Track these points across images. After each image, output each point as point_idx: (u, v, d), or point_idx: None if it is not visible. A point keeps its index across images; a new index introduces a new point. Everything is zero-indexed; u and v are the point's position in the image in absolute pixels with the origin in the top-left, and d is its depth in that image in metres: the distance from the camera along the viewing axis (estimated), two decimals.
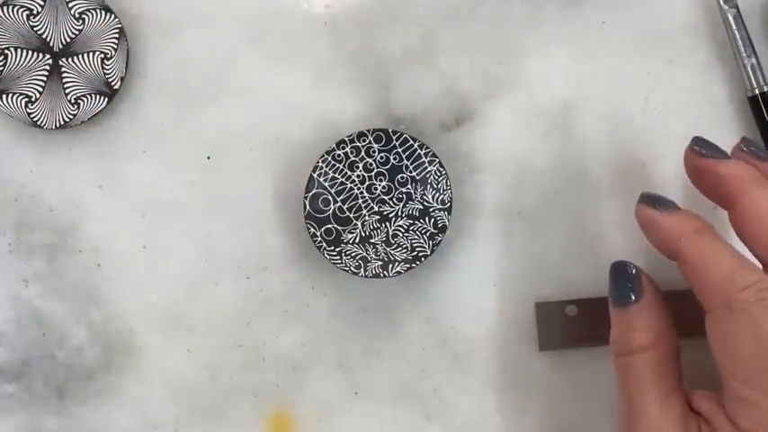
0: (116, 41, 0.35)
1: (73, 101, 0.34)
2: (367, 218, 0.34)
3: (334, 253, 0.34)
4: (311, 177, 0.34)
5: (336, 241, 0.34)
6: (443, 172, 0.34)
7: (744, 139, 0.30)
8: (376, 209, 0.34)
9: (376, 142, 0.34)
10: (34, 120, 0.34)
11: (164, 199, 0.36)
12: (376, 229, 0.34)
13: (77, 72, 0.35)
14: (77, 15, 0.35)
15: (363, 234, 0.34)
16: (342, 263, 0.34)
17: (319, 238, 0.34)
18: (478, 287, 0.35)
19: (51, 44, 0.35)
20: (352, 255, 0.34)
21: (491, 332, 0.35)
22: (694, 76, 0.36)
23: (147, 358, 0.35)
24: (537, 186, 0.35)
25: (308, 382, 0.35)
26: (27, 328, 0.35)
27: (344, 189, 0.34)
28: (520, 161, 0.35)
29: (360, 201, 0.34)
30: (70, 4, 0.34)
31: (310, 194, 0.34)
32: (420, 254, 0.34)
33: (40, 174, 0.36)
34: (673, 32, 0.36)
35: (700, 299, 0.27)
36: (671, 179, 0.34)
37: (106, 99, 0.34)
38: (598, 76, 0.36)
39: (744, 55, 0.34)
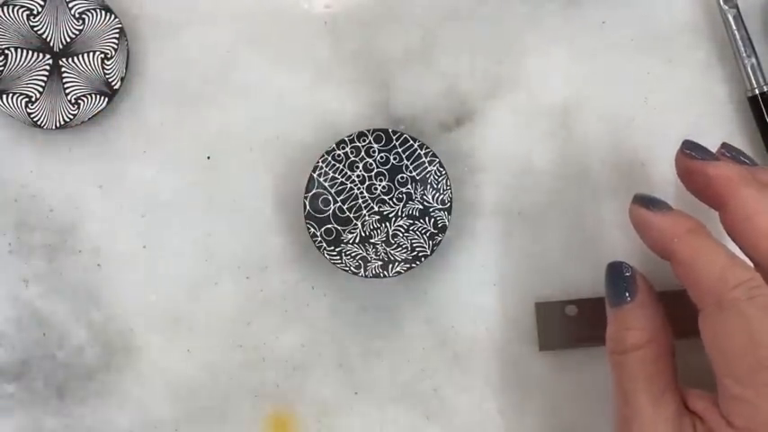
0: (116, 41, 0.35)
1: (73, 101, 0.34)
2: (367, 218, 0.34)
3: (334, 253, 0.34)
4: (311, 177, 0.34)
5: (336, 241, 0.34)
6: (443, 172, 0.34)
7: (724, 145, 0.31)
8: (376, 209, 0.34)
9: (376, 142, 0.34)
10: (34, 120, 0.34)
11: (164, 199, 0.36)
12: (376, 229, 0.34)
13: (77, 72, 0.35)
14: (77, 15, 0.35)
15: (363, 234, 0.34)
16: (342, 263, 0.34)
17: (319, 238, 0.34)
18: (478, 287, 0.35)
19: (51, 44, 0.35)
20: (352, 255, 0.34)
21: (491, 332, 0.35)
22: (694, 75, 0.36)
23: (147, 358, 0.35)
24: (537, 186, 0.35)
25: (308, 382, 0.35)
26: (27, 328, 0.35)
27: (344, 189, 0.34)
28: (520, 161, 0.35)
29: (360, 201, 0.34)
30: (70, 4, 0.34)
31: (310, 194, 0.34)
32: (420, 254, 0.34)
33: (40, 174, 0.36)
34: (673, 32, 0.36)
35: (692, 298, 0.27)
36: (671, 179, 0.34)
37: (106, 99, 0.34)
38: (598, 75, 0.36)
39: (744, 55, 0.34)
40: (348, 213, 0.34)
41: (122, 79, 0.35)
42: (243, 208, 0.35)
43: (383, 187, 0.34)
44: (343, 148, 0.34)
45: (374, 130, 0.34)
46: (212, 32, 0.36)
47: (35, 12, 0.34)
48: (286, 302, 0.35)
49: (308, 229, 0.34)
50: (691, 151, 0.30)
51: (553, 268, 0.35)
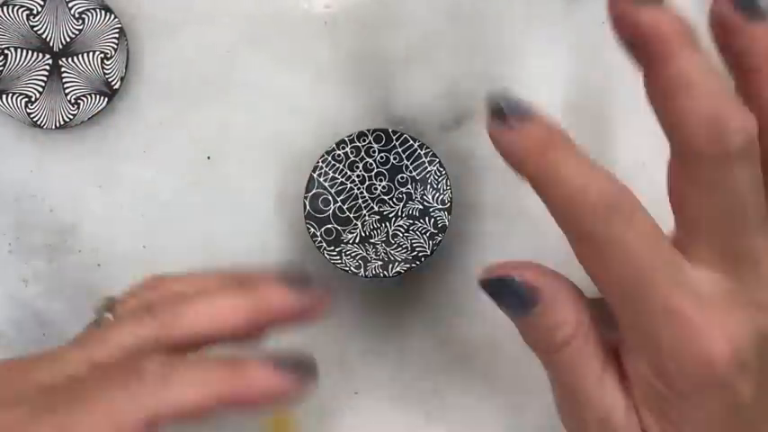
0: (116, 41, 0.35)
1: (73, 101, 0.34)
2: (367, 218, 0.34)
3: (334, 253, 0.34)
4: (311, 177, 0.34)
5: (336, 241, 0.34)
6: (443, 172, 0.34)
7: None
8: (376, 209, 0.34)
9: (376, 142, 0.34)
10: (34, 120, 0.34)
11: (164, 199, 0.36)
12: (376, 229, 0.34)
13: (77, 72, 0.35)
14: (77, 15, 0.35)
15: (363, 234, 0.34)
16: (342, 263, 0.34)
17: (319, 238, 0.34)
18: (478, 287, 0.35)
19: (51, 44, 0.35)
20: (352, 255, 0.34)
21: (491, 332, 0.35)
22: None
23: None
24: None
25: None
26: (27, 328, 0.35)
27: (344, 189, 0.34)
28: None
29: (360, 201, 0.34)
30: (70, 4, 0.34)
31: (310, 194, 0.34)
32: (420, 254, 0.34)
33: (40, 174, 0.36)
34: None
35: (558, 222, 0.23)
36: None
37: (106, 99, 0.34)
38: (598, 75, 0.36)
39: None
40: (348, 213, 0.34)
41: (122, 79, 0.35)
42: (243, 208, 0.35)
43: (383, 187, 0.34)
44: (343, 148, 0.34)
45: (374, 130, 0.34)
46: (212, 32, 0.36)
47: (35, 12, 0.34)
48: None
49: (308, 229, 0.34)
50: None
51: (553, 268, 0.35)
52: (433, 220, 0.34)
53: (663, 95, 0.22)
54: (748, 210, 0.22)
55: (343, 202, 0.34)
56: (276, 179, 0.36)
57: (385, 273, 0.34)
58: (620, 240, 0.22)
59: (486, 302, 0.36)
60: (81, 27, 0.35)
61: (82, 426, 0.20)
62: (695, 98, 0.21)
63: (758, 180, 0.22)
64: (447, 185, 0.34)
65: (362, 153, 0.34)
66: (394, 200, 0.34)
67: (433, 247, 0.34)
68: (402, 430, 0.35)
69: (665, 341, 0.22)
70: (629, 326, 0.23)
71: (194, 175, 0.36)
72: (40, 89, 0.34)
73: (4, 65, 0.34)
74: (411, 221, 0.34)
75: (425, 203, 0.34)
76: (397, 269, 0.34)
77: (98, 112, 0.35)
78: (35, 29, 0.34)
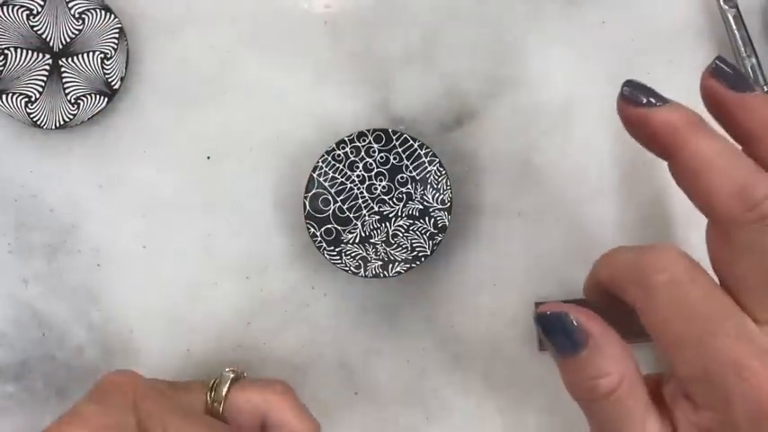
0: (116, 41, 0.35)
1: (73, 101, 0.34)
2: (367, 218, 0.34)
3: (334, 253, 0.34)
4: (311, 177, 0.34)
5: (336, 241, 0.34)
6: (443, 172, 0.34)
7: (719, 59, 0.26)
8: (376, 209, 0.34)
9: (376, 142, 0.34)
10: (34, 120, 0.34)
11: (164, 199, 0.36)
12: (376, 229, 0.34)
13: (77, 72, 0.35)
14: (77, 15, 0.35)
15: (363, 234, 0.34)
16: (342, 263, 0.34)
17: (319, 238, 0.34)
18: (478, 287, 0.35)
19: (51, 44, 0.35)
20: (352, 255, 0.34)
21: (491, 332, 0.35)
22: (694, 76, 0.36)
23: (146, 358, 0.35)
24: (537, 186, 0.35)
25: (308, 382, 0.35)
26: (27, 329, 0.35)
27: (344, 189, 0.34)
28: (520, 161, 0.35)
29: (360, 201, 0.34)
30: (70, 4, 0.34)
31: (310, 194, 0.34)
32: (420, 254, 0.34)
33: (40, 174, 0.36)
34: (673, 32, 0.36)
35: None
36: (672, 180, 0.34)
37: (106, 99, 0.34)
38: (598, 76, 0.36)
39: (744, 55, 0.34)
40: (348, 213, 0.34)
41: (122, 79, 0.35)
42: (243, 208, 0.35)
43: (383, 187, 0.34)
44: (343, 148, 0.34)
45: (374, 130, 0.34)
46: (212, 32, 0.36)
47: (35, 12, 0.34)
48: (286, 302, 0.35)
49: (308, 229, 0.34)
50: (631, 93, 0.25)
51: (553, 268, 0.35)
52: (433, 220, 0.34)
53: (687, 178, 0.24)
54: None
55: (343, 202, 0.34)
56: (276, 179, 0.36)
57: (385, 273, 0.34)
58: (684, 298, 0.23)
59: (486, 302, 0.36)
60: (81, 27, 0.35)
61: None
62: (718, 174, 0.23)
63: None
64: (447, 185, 0.34)
65: (362, 153, 0.34)
66: (394, 200, 0.34)
67: (433, 247, 0.34)
68: (402, 430, 0.35)
69: (737, 398, 0.22)
70: (693, 378, 0.24)
71: (194, 175, 0.36)
72: (40, 89, 0.34)
73: (4, 65, 0.34)
74: (411, 221, 0.34)
75: (425, 203, 0.34)
76: (397, 269, 0.34)
77: (98, 112, 0.35)
78: (35, 29, 0.34)
